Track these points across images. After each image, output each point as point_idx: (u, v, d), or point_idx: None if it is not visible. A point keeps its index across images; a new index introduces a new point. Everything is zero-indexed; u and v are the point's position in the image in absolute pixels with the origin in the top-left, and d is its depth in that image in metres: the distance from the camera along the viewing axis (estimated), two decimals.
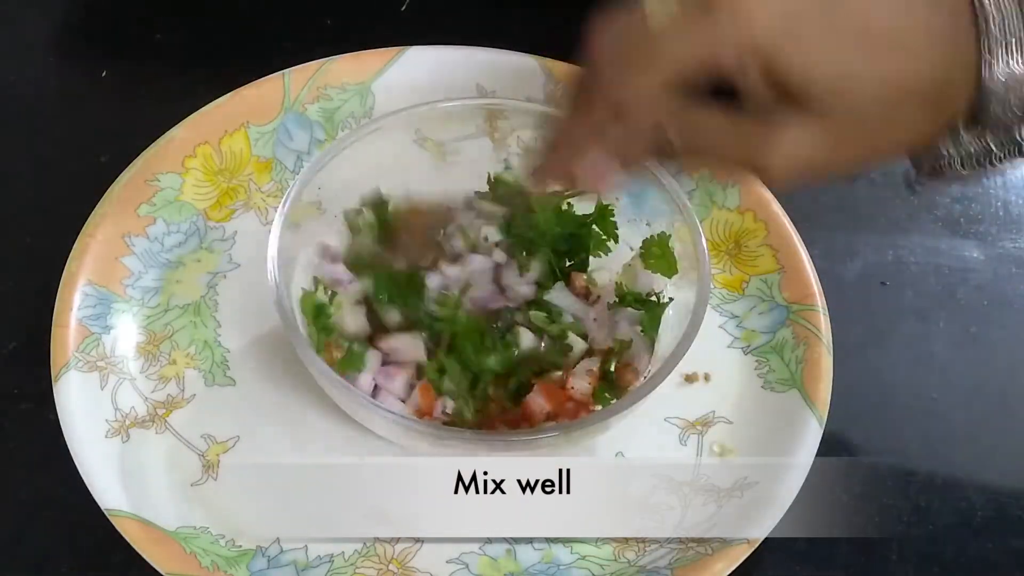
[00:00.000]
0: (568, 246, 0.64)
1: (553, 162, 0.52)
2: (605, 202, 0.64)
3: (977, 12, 0.43)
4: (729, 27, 0.42)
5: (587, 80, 0.48)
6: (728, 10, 0.42)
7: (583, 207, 0.64)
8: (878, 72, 0.43)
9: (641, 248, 0.63)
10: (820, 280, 0.68)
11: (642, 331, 0.62)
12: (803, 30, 0.42)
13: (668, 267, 0.63)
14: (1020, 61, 0.43)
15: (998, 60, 0.43)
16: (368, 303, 0.62)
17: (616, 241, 0.64)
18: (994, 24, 0.43)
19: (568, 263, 0.65)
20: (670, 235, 0.63)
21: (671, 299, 0.62)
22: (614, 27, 0.46)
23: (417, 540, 0.59)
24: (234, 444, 0.62)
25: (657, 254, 0.62)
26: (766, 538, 0.58)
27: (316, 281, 0.62)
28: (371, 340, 0.61)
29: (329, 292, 0.62)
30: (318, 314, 0.60)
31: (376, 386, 0.60)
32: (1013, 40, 0.43)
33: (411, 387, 0.60)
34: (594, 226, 0.64)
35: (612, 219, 0.64)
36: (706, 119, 0.46)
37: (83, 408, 0.60)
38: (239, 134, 0.72)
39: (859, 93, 0.43)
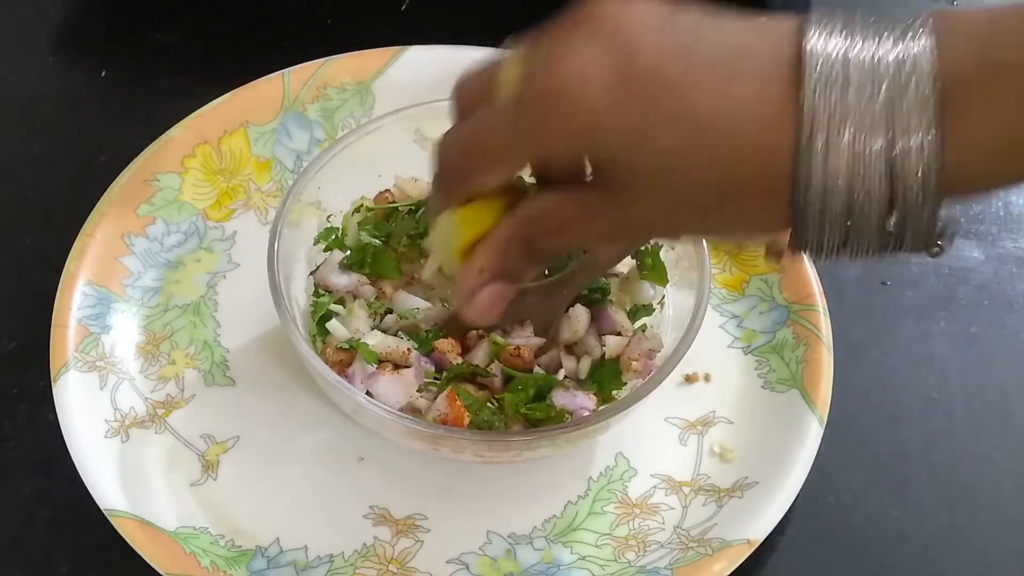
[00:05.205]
0: None
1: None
2: None
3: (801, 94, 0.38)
4: (556, 119, 0.41)
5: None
6: (554, 99, 0.40)
7: None
8: (699, 159, 0.40)
9: (636, 259, 0.63)
10: (820, 280, 0.68)
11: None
12: (624, 119, 0.40)
13: (660, 277, 0.63)
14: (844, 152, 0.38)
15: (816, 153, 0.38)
16: (371, 307, 0.62)
17: None
18: (817, 104, 0.38)
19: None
20: (661, 245, 0.63)
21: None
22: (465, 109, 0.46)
23: (417, 540, 0.59)
24: (234, 444, 0.62)
25: (650, 265, 0.63)
26: (766, 538, 0.58)
27: (318, 287, 0.62)
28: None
29: (337, 297, 0.62)
30: (323, 318, 0.60)
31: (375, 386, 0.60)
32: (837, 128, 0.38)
33: (410, 388, 0.60)
34: None
35: None
36: (553, 202, 0.45)
37: (82, 408, 0.60)
38: (239, 134, 0.72)
39: (684, 181, 0.40)
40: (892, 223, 0.39)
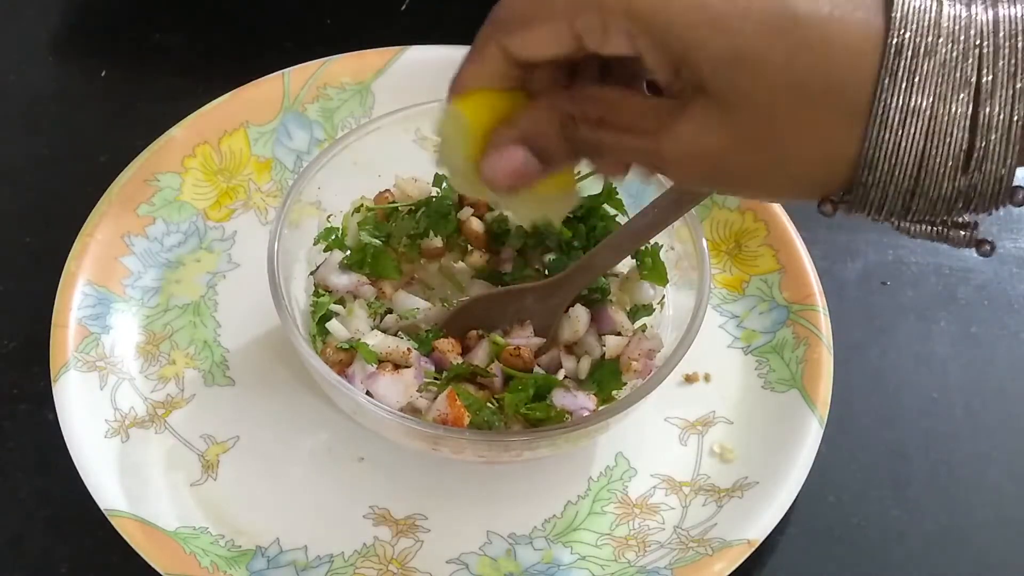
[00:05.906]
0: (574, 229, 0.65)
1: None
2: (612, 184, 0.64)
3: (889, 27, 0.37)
4: None
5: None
6: None
7: (589, 188, 0.65)
8: (783, 61, 0.38)
9: (636, 259, 0.63)
10: (820, 280, 0.68)
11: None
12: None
13: (660, 277, 0.63)
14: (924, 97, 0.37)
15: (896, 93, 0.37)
16: (371, 307, 0.62)
17: (627, 215, 0.64)
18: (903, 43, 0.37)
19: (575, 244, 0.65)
20: (661, 245, 0.63)
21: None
22: None
23: (417, 540, 0.59)
24: (234, 444, 0.62)
25: (649, 265, 0.63)
26: (766, 538, 0.58)
27: (318, 287, 0.62)
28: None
29: (337, 297, 0.62)
30: (323, 318, 0.60)
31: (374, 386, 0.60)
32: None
33: (410, 388, 0.60)
34: (604, 205, 0.64)
35: (618, 196, 0.64)
36: (610, 94, 0.43)
37: (82, 408, 0.60)
38: (239, 134, 0.72)
39: (759, 83, 0.38)
40: (967, 171, 0.38)
